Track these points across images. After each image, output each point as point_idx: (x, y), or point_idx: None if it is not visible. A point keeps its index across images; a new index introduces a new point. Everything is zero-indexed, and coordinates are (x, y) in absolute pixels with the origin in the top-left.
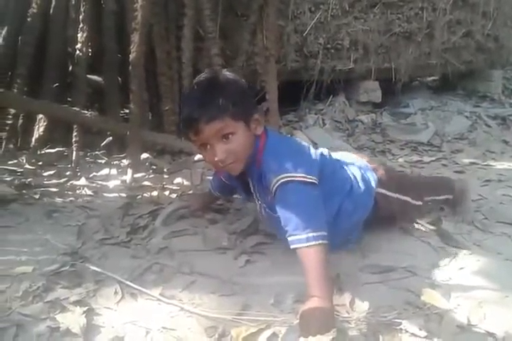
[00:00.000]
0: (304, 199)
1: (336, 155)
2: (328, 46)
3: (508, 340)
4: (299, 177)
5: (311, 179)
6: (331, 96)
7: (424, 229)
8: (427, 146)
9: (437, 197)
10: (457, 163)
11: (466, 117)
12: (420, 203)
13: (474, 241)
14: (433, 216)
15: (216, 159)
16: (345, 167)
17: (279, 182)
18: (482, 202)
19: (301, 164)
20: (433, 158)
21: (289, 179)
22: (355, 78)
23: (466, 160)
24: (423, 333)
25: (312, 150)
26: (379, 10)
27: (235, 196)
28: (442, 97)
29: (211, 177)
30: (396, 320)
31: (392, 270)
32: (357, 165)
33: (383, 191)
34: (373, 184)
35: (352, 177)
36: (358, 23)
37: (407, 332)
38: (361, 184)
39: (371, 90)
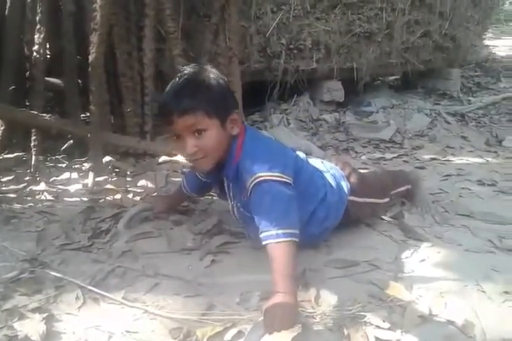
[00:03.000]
0: (277, 198)
1: (313, 161)
2: (291, 46)
3: (467, 327)
4: (275, 176)
5: (287, 179)
6: (295, 96)
7: (386, 223)
8: (388, 143)
9: (399, 189)
10: (418, 159)
11: (426, 115)
12: (387, 200)
13: (435, 234)
14: (395, 210)
15: (186, 152)
16: (321, 174)
17: (255, 181)
18: (443, 196)
19: (277, 164)
20: (395, 155)
21: (264, 178)
22: (319, 78)
23: (427, 156)
24: (386, 325)
25: (290, 152)
26: (340, 10)
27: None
28: (403, 96)
29: (184, 177)
30: (360, 313)
31: (356, 264)
32: (332, 174)
33: (354, 198)
34: (346, 192)
35: (327, 184)
36: (320, 23)
37: (371, 324)
38: (335, 193)
39: (334, 90)
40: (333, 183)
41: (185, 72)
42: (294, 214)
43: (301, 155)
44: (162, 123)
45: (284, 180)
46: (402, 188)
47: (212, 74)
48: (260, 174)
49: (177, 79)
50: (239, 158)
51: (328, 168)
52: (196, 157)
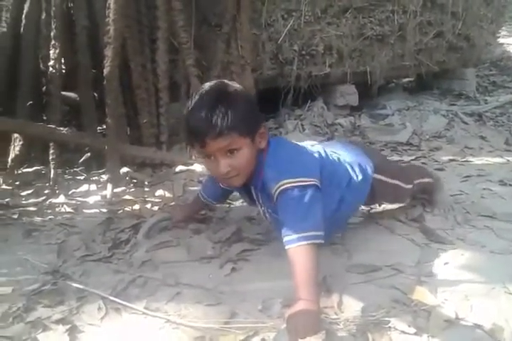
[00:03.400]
0: (299, 204)
1: (332, 147)
2: (303, 52)
3: (496, 331)
4: (298, 181)
5: (311, 181)
6: (309, 102)
7: (407, 226)
8: (406, 146)
9: (422, 180)
10: (436, 161)
11: (443, 115)
12: (410, 186)
13: (458, 236)
14: (415, 213)
15: (219, 172)
16: (342, 160)
17: (279, 189)
18: (463, 197)
19: (299, 168)
20: (413, 157)
21: (287, 186)
22: (332, 82)
23: (445, 158)
24: (412, 330)
25: (309, 150)
26: (351, 14)
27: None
28: (418, 97)
29: (202, 184)
30: (384, 319)
31: (377, 269)
32: (353, 155)
33: (380, 177)
34: (370, 171)
35: (350, 169)
36: (331, 28)
37: (396, 329)
38: (359, 173)
39: (348, 94)
40: (356, 164)
41: (208, 89)
42: (316, 216)
43: (320, 149)
44: (190, 146)
45: (308, 183)
46: (426, 180)
47: (235, 88)
48: (283, 182)
49: (202, 97)
50: (263, 170)
51: (348, 150)
52: (230, 175)
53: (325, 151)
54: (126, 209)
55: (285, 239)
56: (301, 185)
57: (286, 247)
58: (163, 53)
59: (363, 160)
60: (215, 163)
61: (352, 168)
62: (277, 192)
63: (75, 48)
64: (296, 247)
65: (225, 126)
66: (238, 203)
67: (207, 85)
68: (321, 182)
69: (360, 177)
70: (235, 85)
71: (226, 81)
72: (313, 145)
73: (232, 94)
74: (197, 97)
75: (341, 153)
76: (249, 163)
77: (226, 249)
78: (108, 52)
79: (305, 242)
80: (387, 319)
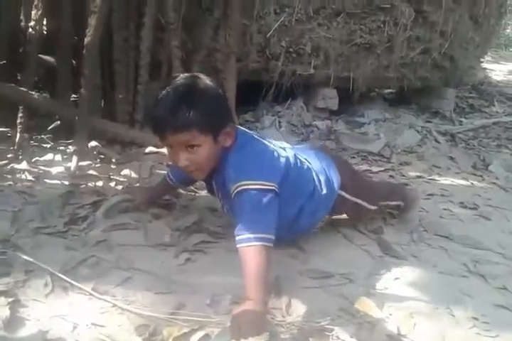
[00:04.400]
0: (255, 206)
1: (304, 152)
2: (291, 50)
3: None
4: (257, 184)
5: (269, 185)
6: (290, 100)
7: (365, 237)
8: (377, 156)
9: (390, 203)
10: (404, 175)
11: (417, 131)
12: (374, 208)
13: (412, 253)
14: (375, 225)
15: (178, 165)
16: (311, 168)
17: (237, 190)
18: (423, 215)
19: (261, 171)
20: (381, 169)
21: (245, 187)
22: (315, 84)
23: (413, 173)
24: None
25: (277, 154)
26: (342, 19)
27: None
28: (397, 110)
29: (171, 166)
30: (329, 326)
31: (330, 276)
32: (323, 166)
33: (343, 193)
34: (336, 186)
35: (316, 179)
36: (321, 30)
37: (338, 338)
38: (324, 186)
39: (329, 97)
40: (323, 177)
41: (178, 83)
42: (269, 220)
43: (290, 152)
44: (152, 134)
45: (266, 187)
46: (394, 203)
47: (207, 85)
48: (243, 182)
49: (169, 90)
50: (225, 167)
51: (320, 159)
52: (188, 169)
53: (295, 157)
54: (89, 184)
55: (237, 237)
56: (260, 188)
57: (238, 246)
58: (149, 30)
59: (332, 173)
60: (175, 155)
61: (318, 179)
62: (235, 191)
63: (59, 11)
64: (248, 247)
65: (185, 122)
66: (204, 193)
67: (179, 78)
68: (283, 188)
69: (324, 190)
70: (207, 81)
71: (200, 75)
72: (285, 149)
73: (200, 90)
74: (167, 89)
75: (312, 162)
76: (209, 160)
77: (184, 238)
78: (92, 21)
79: (256, 243)
80: (331, 327)
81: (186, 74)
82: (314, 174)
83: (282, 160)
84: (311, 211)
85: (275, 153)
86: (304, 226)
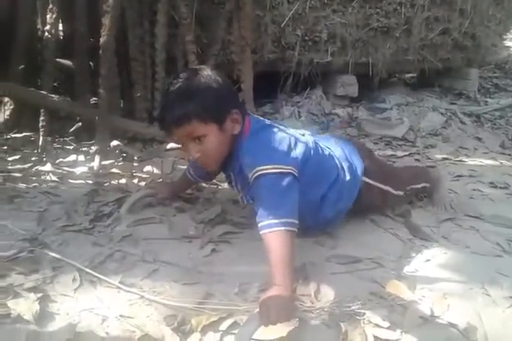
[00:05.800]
0: (273, 190)
1: (326, 140)
2: (306, 38)
3: (470, 331)
4: (275, 168)
5: (287, 169)
6: (308, 89)
7: (392, 221)
8: (401, 141)
9: (416, 186)
10: (430, 158)
11: (441, 114)
12: (401, 193)
13: (442, 234)
14: (402, 208)
15: (191, 157)
16: (332, 155)
17: (255, 175)
18: (452, 196)
19: (278, 154)
20: (406, 153)
21: (262, 172)
22: (333, 71)
23: (439, 156)
24: (386, 324)
25: (294, 139)
26: (357, 4)
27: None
28: (419, 93)
29: (190, 161)
30: (360, 311)
31: (359, 261)
32: (345, 152)
33: (368, 180)
34: (359, 173)
35: (339, 166)
36: (337, 16)
37: (370, 322)
38: (348, 173)
39: (348, 84)
40: (346, 164)
41: (176, 79)
42: (290, 204)
43: (310, 137)
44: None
45: (284, 170)
46: (420, 185)
47: (204, 77)
48: (259, 168)
49: (169, 88)
50: (240, 154)
51: (342, 146)
52: (201, 161)
53: (315, 142)
54: (112, 182)
55: (260, 224)
56: (278, 172)
57: (261, 232)
58: (162, 26)
59: (354, 159)
60: (185, 149)
61: (341, 166)
62: (253, 177)
63: (73, 14)
64: (271, 232)
65: (184, 114)
66: (226, 185)
67: (179, 75)
68: (304, 175)
69: (348, 177)
70: (205, 72)
71: (201, 68)
72: (304, 135)
73: (197, 82)
74: (167, 88)
75: (334, 149)
76: (219, 149)
77: (209, 229)
78: (105, 21)
79: (279, 228)
80: (362, 311)
81: (187, 69)
82: (337, 161)
83: (300, 145)
84: (333, 200)
85: (292, 138)
86: (328, 215)
